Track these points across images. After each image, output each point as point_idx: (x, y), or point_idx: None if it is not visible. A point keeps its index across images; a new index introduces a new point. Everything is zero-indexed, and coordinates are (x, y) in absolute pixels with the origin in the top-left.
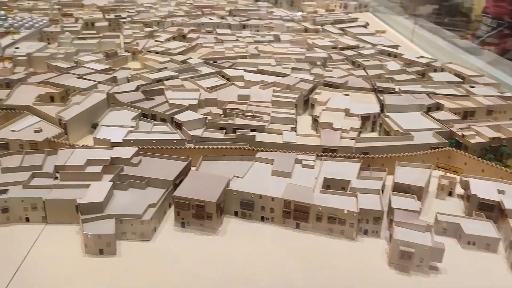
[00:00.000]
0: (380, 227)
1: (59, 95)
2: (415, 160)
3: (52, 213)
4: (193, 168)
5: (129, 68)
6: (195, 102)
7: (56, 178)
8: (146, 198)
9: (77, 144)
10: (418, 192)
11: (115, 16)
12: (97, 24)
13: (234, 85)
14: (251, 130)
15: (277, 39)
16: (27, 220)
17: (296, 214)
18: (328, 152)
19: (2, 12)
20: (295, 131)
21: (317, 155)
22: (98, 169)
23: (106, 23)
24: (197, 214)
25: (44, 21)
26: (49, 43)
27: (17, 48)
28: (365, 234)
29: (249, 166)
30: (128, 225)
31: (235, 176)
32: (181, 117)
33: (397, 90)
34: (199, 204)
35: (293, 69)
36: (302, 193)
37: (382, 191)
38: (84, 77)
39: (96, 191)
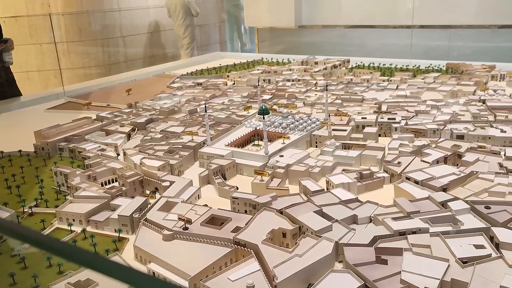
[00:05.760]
0: None
1: (291, 233)
2: None
3: None
4: None
5: (376, 204)
6: (434, 285)
7: None
8: None
9: None
10: None
11: (389, 119)
12: (366, 129)
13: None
14: None
15: None
16: None
17: None
18: None
19: (286, 110)
20: None
21: None
22: None
23: (374, 129)
24: None
25: (318, 122)
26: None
27: (281, 156)
28: None
29: None
30: None
31: None
32: None
33: None
34: None
35: None
36: None
37: None
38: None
39: None
